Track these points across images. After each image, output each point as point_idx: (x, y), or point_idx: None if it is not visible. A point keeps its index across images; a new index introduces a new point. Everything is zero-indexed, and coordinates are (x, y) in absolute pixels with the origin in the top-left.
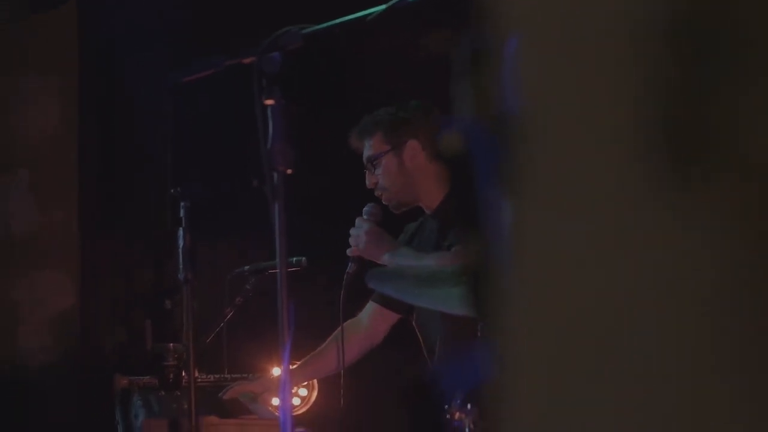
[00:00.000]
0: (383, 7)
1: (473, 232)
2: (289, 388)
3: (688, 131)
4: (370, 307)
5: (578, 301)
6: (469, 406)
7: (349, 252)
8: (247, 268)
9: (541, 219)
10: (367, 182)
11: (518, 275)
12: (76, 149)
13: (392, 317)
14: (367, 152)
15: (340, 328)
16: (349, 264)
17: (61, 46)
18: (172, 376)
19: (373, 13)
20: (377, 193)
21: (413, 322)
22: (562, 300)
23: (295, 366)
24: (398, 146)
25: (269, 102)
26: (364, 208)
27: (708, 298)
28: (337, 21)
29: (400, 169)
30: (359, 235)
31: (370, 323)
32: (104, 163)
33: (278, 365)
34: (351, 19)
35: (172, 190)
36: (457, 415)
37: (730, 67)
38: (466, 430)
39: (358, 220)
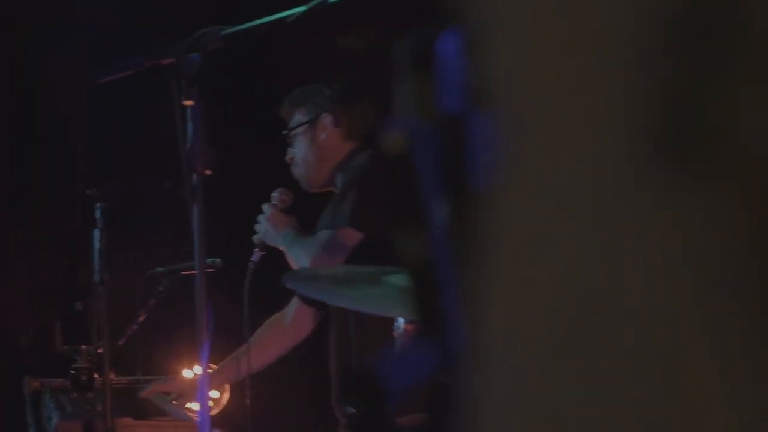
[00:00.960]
0: (304, 8)
1: (412, 231)
2: (207, 389)
3: (683, 125)
4: (294, 303)
5: (563, 296)
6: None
7: (254, 239)
8: (160, 269)
9: (526, 214)
10: (286, 157)
11: (497, 271)
12: None
13: (316, 314)
14: (290, 125)
15: (259, 330)
16: (254, 252)
17: None
18: (84, 377)
19: (293, 14)
20: (292, 171)
21: (330, 323)
22: (544, 296)
23: (212, 370)
24: (313, 122)
25: (188, 103)
26: (273, 193)
27: (701, 292)
28: (258, 22)
29: (312, 143)
30: (262, 221)
31: (293, 319)
32: (14, 162)
33: (191, 367)
34: (271, 20)
35: (88, 191)
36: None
37: (729, 62)
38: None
39: (264, 206)
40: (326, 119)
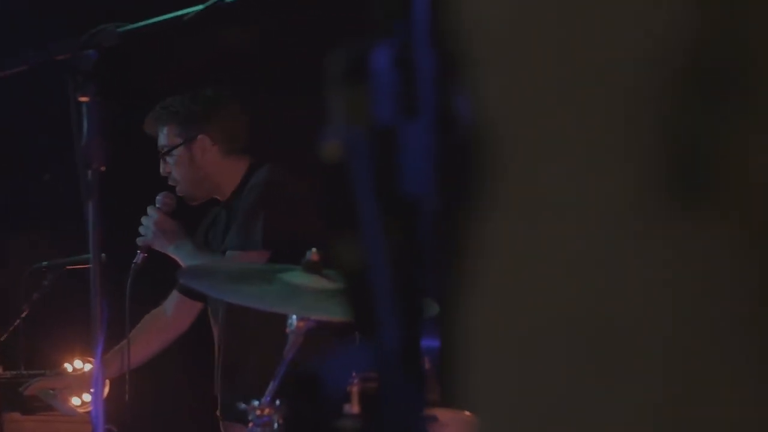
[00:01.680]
0: (201, 6)
1: (345, 237)
2: (101, 382)
3: (690, 152)
4: (174, 296)
5: (553, 309)
6: (278, 402)
7: (138, 241)
8: (45, 263)
9: (526, 227)
10: (161, 170)
11: (490, 282)
12: None
13: (196, 307)
14: (160, 141)
15: (139, 325)
16: (137, 254)
17: None
18: None
19: (190, 12)
20: (170, 182)
21: (209, 316)
22: (534, 308)
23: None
24: (190, 141)
25: (84, 99)
26: (157, 197)
27: (707, 307)
28: (155, 20)
29: (191, 163)
30: (148, 224)
31: (173, 313)
32: None
33: (72, 361)
34: (168, 18)
35: None
36: (266, 411)
37: (736, 105)
38: (275, 425)
39: (149, 209)
40: (204, 140)
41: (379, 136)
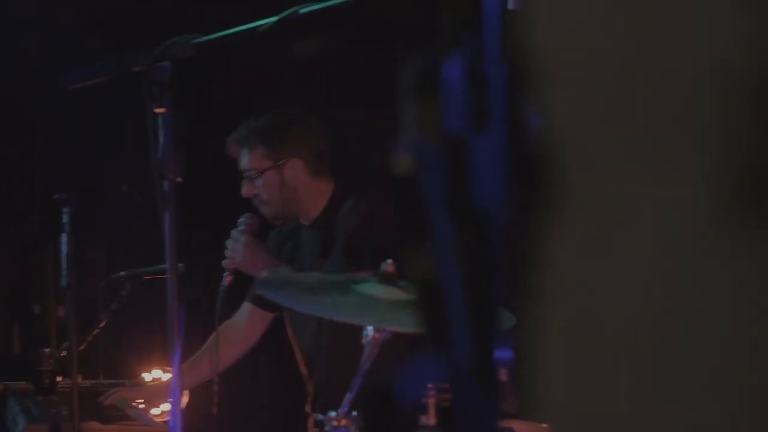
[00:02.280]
0: (274, 18)
1: (419, 249)
2: (179, 392)
3: (759, 182)
4: (246, 307)
5: (616, 322)
6: (354, 412)
7: (225, 264)
8: (122, 273)
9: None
10: (243, 191)
11: (559, 290)
12: None
13: (268, 317)
14: (245, 163)
15: (213, 335)
16: (224, 276)
17: None
18: (47, 381)
19: (264, 24)
20: (255, 203)
21: (286, 321)
22: (598, 322)
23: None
24: (280, 163)
25: (160, 111)
26: (240, 219)
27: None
28: (229, 32)
29: (281, 185)
30: (236, 247)
31: (246, 324)
32: None
33: (150, 371)
34: (242, 30)
35: (55, 196)
36: (343, 422)
37: None
38: None
39: (234, 233)
40: (295, 162)
41: (451, 148)
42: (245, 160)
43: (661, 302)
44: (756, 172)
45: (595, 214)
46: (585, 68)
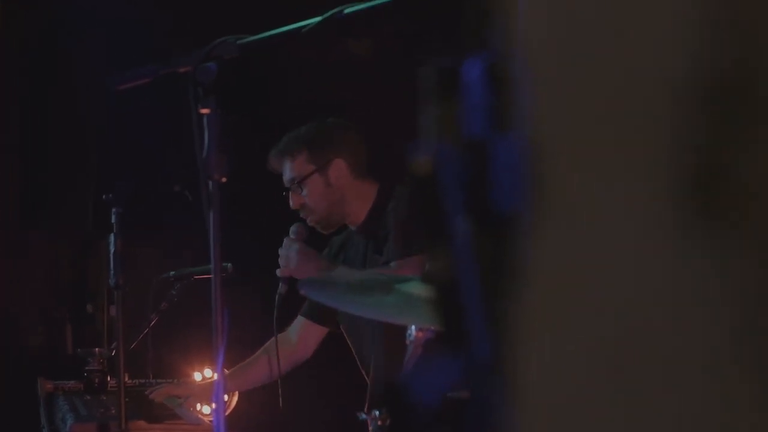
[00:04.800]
0: (318, 19)
1: (438, 248)
2: (222, 393)
3: (703, 164)
4: (299, 321)
5: (598, 324)
6: (377, 412)
7: (278, 272)
8: (172, 273)
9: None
10: (291, 203)
11: (536, 286)
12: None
13: (321, 331)
14: (289, 173)
15: (271, 341)
16: (280, 284)
17: None
18: (97, 380)
19: (308, 25)
20: (302, 214)
21: (344, 332)
22: (581, 321)
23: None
24: (324, 166)
25: (205, 111)
26: (291, 228)
27: (739, 332)
28: (273, 32)
29: (327, 188)
30: (289, 255)
31: (299, 338)
32: (30, 164)
33: (201, 370)
34: (286, 31)
35: (104, 196)
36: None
37: (763, 123)
38: None
39: (286, 240)
40: (339, 163)
41: (470, 150)
42: (288, 170)
43: (633, 300)
44: (701, 171)
45: (560, 208)
46: (560, 71)
